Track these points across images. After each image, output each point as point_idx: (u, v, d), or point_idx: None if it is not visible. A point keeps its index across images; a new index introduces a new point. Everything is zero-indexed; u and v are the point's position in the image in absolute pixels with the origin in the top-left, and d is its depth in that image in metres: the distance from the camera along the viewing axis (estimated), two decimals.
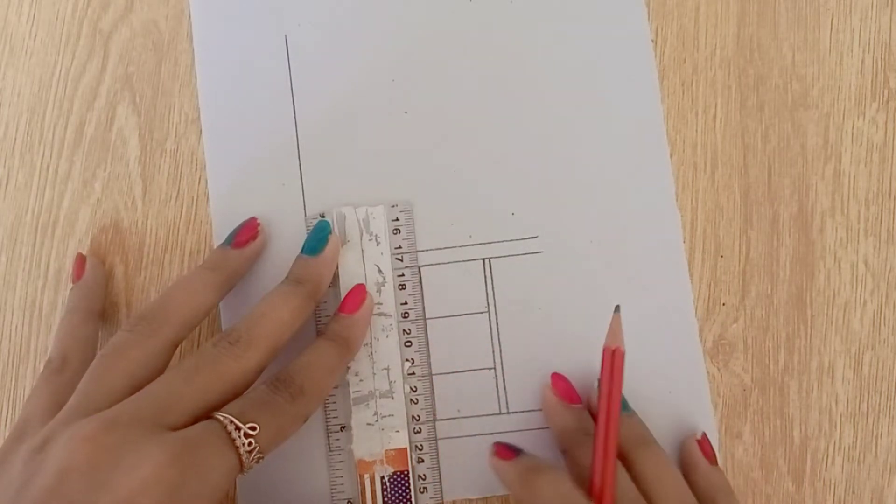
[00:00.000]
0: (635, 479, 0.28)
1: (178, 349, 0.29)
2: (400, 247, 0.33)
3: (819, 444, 0.32)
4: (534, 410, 0.32)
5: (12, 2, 0.36)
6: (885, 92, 0.34)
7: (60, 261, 0.34)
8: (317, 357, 0.29)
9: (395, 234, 0.33)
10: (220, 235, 0.33)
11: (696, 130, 0.34)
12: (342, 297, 0.31)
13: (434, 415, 0.32)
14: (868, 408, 0.33)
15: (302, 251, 0.31)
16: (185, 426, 0.25)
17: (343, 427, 0.32)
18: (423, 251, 0.33)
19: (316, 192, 0.34)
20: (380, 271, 0.33)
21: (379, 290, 0.33)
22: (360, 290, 0.31)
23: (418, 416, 0.32)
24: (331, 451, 0.32)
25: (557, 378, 0.32)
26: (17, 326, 0.34)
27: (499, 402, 0.32)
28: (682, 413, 0.32)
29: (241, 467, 0.25)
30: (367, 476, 0.32)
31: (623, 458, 0.29)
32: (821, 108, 0.34)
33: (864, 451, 0.32)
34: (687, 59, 0.35)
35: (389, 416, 0.32)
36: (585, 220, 0.33)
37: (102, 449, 0.23)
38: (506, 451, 0.29)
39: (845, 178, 0.34)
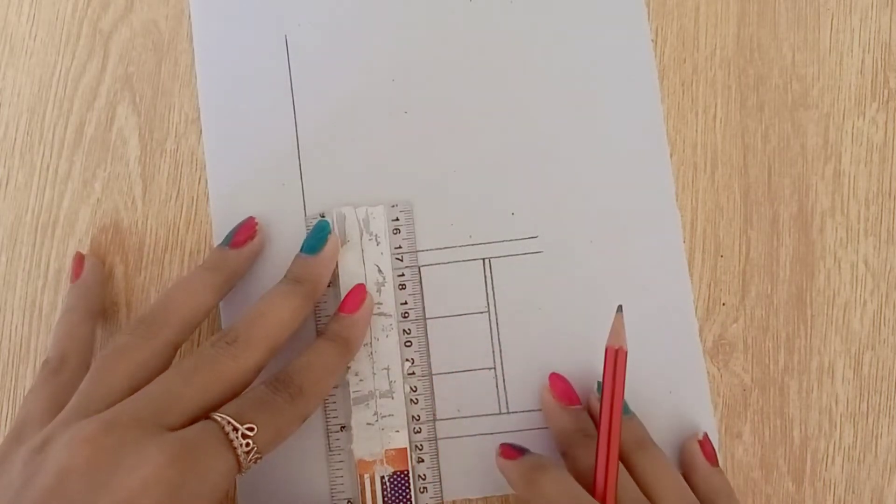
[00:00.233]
0: (636, 481, 0.28)
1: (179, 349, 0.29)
2: (400, 247, 0.33)
3: (819, 444, 0.32)
4: (534, 410, 0.32)
5: (12, 2, 0.36)
6: (885, 92, 0.34)
7: (60, 261, 0.34)
8: (316, 357, 0.29)
9: (395, 233, 0.33)
10: (220, 235, 0.33)
11: (696, 130, 0.34)
12: (342, 297, 0.31)
13: (434, 415, 0.32)
14: (868, 408, 0.33)
15: (301, 250, 0.31)
16: (185, 426, 0.25)
17: (343, 427, 0.32)
18: (423, 251, 0.33)
19: (316, 192, 0.34)
20: (380, 271, 0.33)
21: (379, 290, 0.33)
22: (360, 290, 0.31)
23: (418, 416, 0.32)
24: (331, 451, 0.32)
25: (555, 378, 0.32)
26: (17, 326, 0.34)
27: (499, 402, 0.32)
28: (682, 413, 0.32)
29: (240, 468, 0.25)
30: (367, 476, 0.32)
31: (623, 460, 0.29)
32: (821, 108, 0.34)
33: (864, 451, 0.32)
34: (687, 59, 0.35)
35: (389, 415, 0.32)
36: (585, 221, 0.33)
37: (102, 450, 0.24)
38: (511, 451, 0.30)
39: (845, 178, 0.34)
